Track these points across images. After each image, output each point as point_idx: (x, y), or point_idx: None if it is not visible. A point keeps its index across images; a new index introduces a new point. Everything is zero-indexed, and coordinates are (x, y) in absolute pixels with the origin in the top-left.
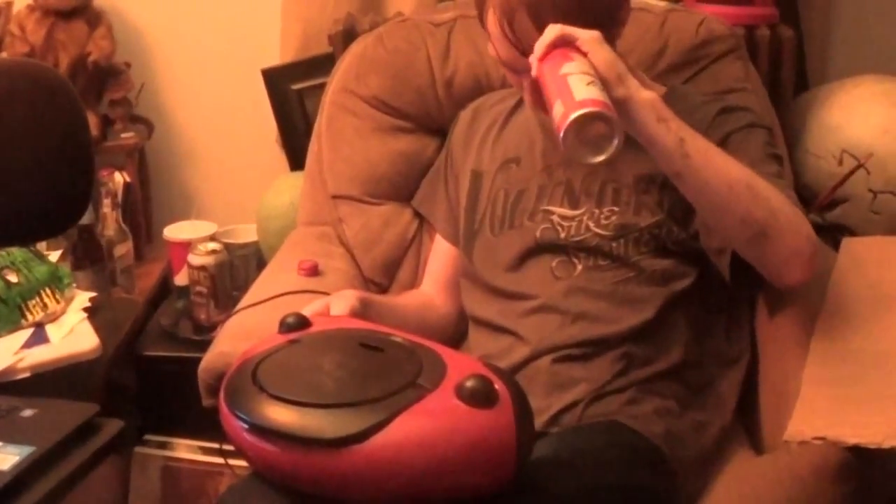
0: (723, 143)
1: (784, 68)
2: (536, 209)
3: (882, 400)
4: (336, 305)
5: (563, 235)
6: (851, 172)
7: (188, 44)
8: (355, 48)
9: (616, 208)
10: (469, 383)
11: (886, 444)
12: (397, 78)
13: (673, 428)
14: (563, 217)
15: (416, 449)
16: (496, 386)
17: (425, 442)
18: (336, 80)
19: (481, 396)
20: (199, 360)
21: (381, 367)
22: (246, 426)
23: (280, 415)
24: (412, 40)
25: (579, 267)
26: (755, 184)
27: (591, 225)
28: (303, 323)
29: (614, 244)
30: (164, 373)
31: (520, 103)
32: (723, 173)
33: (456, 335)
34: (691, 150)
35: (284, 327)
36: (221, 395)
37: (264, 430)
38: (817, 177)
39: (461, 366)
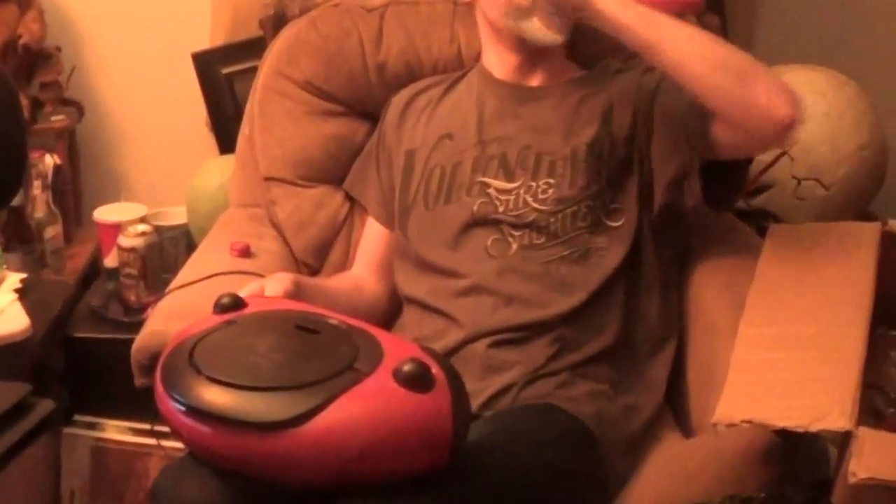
0: (655, 91)
1: None
2: (473, 182)
3: (807, 383)
4: (270, 287)
5: (501, 209)
6: (776, 159)
7: (119, 28)
8: (288, 32)
9: (552, 180)
10: (406, 367)
11: (813, 428)
12: (329, 62)
13: (604, 411)
14: (500, 190)
15: (352, 433)
16: (433, 370)
17: (362, 426)
18: (268, 64)
19: (418, 381)
20: (129, 341)
21: (318, 350)
22: (182, 408)
23: (216, 397)
24: (344, 25)
25: (514, 246)
26: (722, 40)
27: (529, 199)
28: (238, 304)
29: (552, 219)
30: (93, 354)
31: (453, 84)
32: (691, 31)
33: (387, 317)
34: (655, 18)
35: (219, 308)
36: (157, 375)
37: (201, 413)
38: None
39: (398, 350)
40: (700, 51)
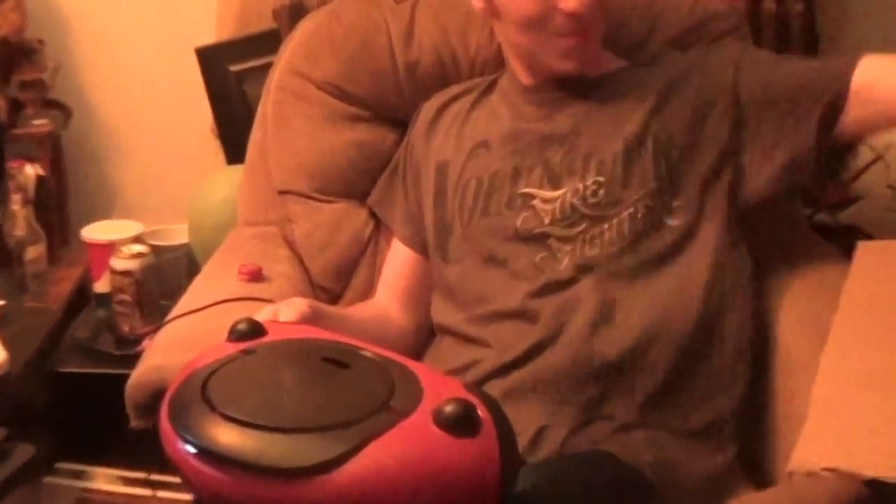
0: (736, 74)
1: (792, 46)
2: (513, 193)
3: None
4: (284, 312)
5: (547, 221)
6: (868, 166)
7: (111, 19)
8: (306, 25)
9: (602, 179)
10: (448, 408)
11: None
12: (354, 60)
13: (665, 459)
14: (545, 200)
15: (387, 482)
16: (478, 411)
17: (398, 474)
18: (284, 61)
19: (462, 423)
20: (121, 377)
21: (348, 386)
22: (194, 450)
23: (234, 438)
24: (371, 18)
25: (564, 261)
26: None
27: (578, 203)
28: (257, 330)
29: (605, 225)
30: (81, 391)
31: (486, 91)
32: None
33: (414, 351)
34: None
35: (235, 335)
36: (164, 413)
37: (215, 456)
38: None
39: (439, 386)
40: None
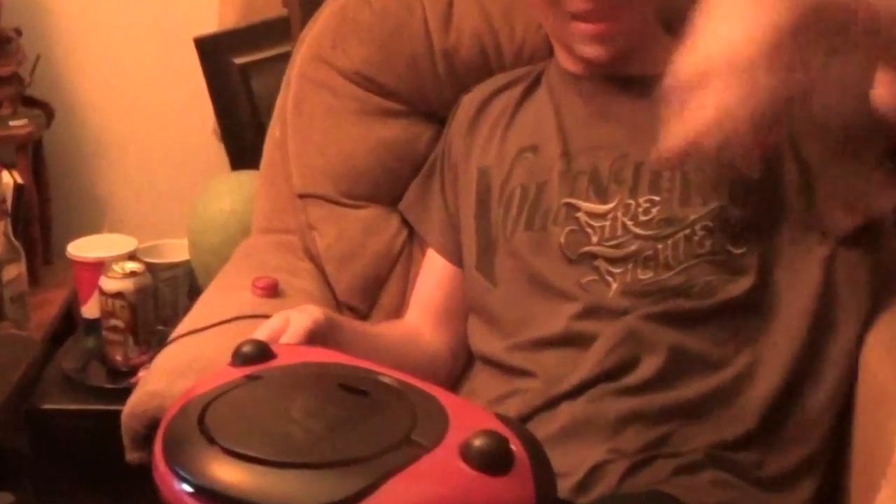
0: None
1: None
2: (558, 205)
3: None
4: (296, 319)
5: (595, 240)
6: None
7: (98, 4)
8: (333, 6)
9: (656, 197)
10: (478, 442)
11: None
12: (385, 47)
13: (729, 502)
14: (592, 215)
15: None
16: (512, 446)
17: None
18: (307, 48)
19: (493, 459)
20: (113, 414)
21: (366, 417)
22: (190, 489)
23: (235, 475)
24: (405, 0)
25: (614, 286)
26: None
27: (629, 223)
28: (264, 354)
29: (660, 246)
30: (67, 431)
31: (532, 86)
32: None
33: (450, 378)
34: None
35: (240, 358)
36: (158, 446)
37: (214, 495)
38: None
39: (467, 417)
40: None
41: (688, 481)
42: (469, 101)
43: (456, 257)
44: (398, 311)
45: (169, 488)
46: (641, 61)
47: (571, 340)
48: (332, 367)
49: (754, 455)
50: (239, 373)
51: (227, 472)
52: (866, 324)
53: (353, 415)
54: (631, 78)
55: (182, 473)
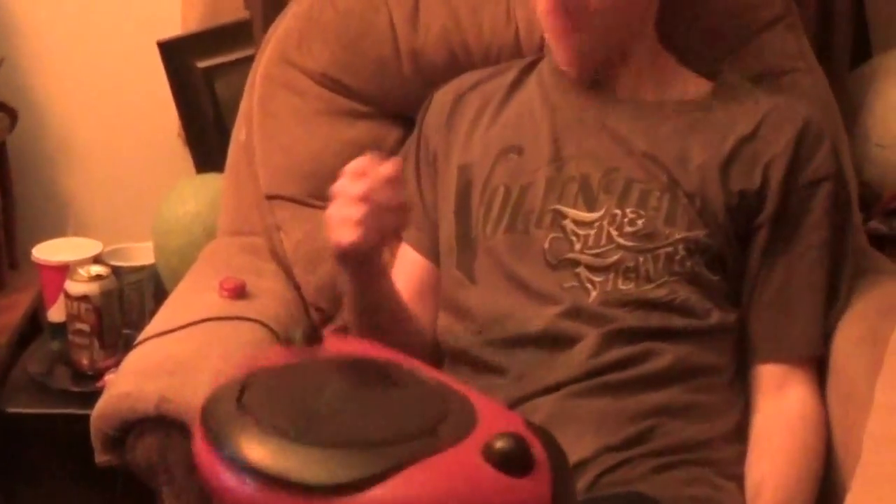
0: (778, 196)
1: (837, 31)
2: (545, 210)
3: None
4: (384, 166)
5: (578, 247)
6: None
7: (62, 7)
8: (297, 7)
9: (642, 212)
10: (500, 443)
11: None
12: (351, 48)
13: (708, 499)
14: (578, 223)
15: None
16: (533, 450)
17: None
18: (271, 49)
19: (513, 460)
20: (79, 417)
21: (395, 407)
22: (221, 456)
23: (256, 448)
24: (371, 1)
25: (593, 293)
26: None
27: (613, 232)
28: (312, 339)
29: (641, 258)
30: (32, 435)
31: (519, 78)
32: None
33: (431, 355)
34: None
35: (295, 340)
36: (198, 416)
37: (236, 464)
38: (882, 172)
39: (496, 420)
40: None
41: (665, 478)
42: (443, 96)
43: (431, 253)
44: None
45: (201, 453)
46: (637, 83)
47: (550, 340)
48: (374, 361)
49: (732, 452)
50: (288, 354)
51: (251, 444)
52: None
53: (382, 403)
54: (628, 99)
55: (213, 441)
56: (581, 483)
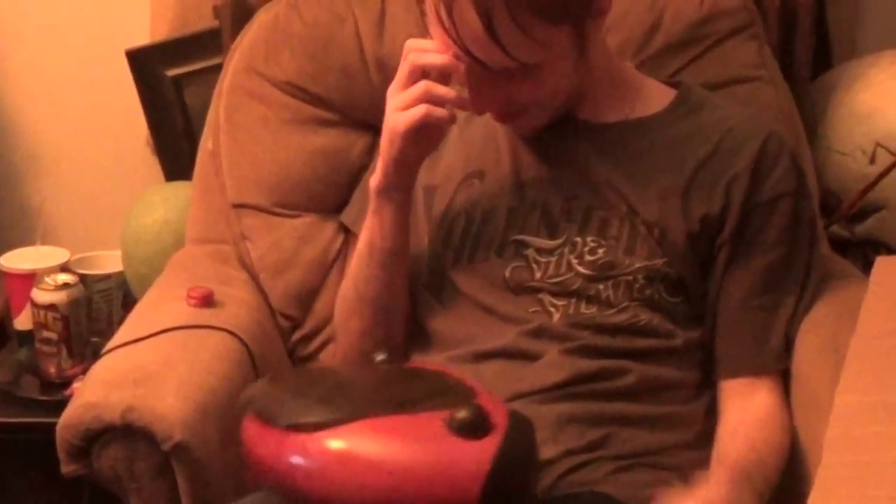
0: (739, 214)
1: (799, 41)
2: (507, 240)
3: None
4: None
5: (538, 275)
6: (887, 171)
7: (28, 14)
8: (263, 18)
9: (603, 241)
10: (461, 413)
11: None
12: (318, 57)
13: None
14: (540, 250)
15: (368, 453)
16: (492, 420)
17: (380, 449)
18: (238, 59)
19: (467, 426)
20: (46, 426)
21: (401, 386)
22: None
23: (261, 394)
24: (336, 10)
25: (556, 315)
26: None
27: (574, 261)
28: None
29: (601, 286)
30: (0, 443)
31: None
32: None
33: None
34: None
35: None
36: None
37: (246, 410)
38: (843, 178)
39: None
40: None
41: (626, 479)
42: None
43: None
44: (331, 318)
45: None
46: (597, 107)
47: (515, 354)
48: (429, 371)
49: (695, 457)
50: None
51: (260, 393)
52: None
53: (394, 383)
54: (589, 122)
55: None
56: (541, 483)
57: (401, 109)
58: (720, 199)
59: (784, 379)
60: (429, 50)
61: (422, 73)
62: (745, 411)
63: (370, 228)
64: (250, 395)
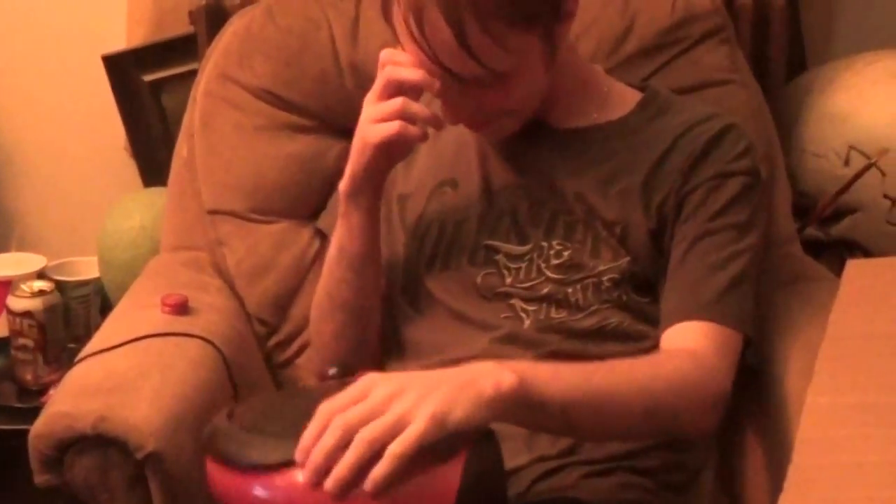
0: (689, 191)
1: (773, 44)
2: (478, 246)
3: (891, 466)
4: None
5: (509, 281)
6: (860, 174)
7: (5, 22)
8: (238, 24)
9: (568, 244)
10: None
11: None
12: (292, 63)
13: (636, 500)
14: (510, 256)
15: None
16: (457, 444)
17: None
18: (213, 65)
19: (431, 449)
20: (23, 433)
21: None
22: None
23: (226, 438)
24: (311, 15)
25: (527, 322)
26: (656, 401)
27: (542, 265)
28: (347, 373)
29: (569, 289)
30: None
31: None
32: (618, 413)
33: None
34: (575, 416)
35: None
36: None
37: (208, 452)
38: (818, 180)
39: None
40: (624, 430)
41: (597, 484)
42: None
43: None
44: (307, 324)
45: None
46: (565, 112)
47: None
48: None
49: (667, 459)
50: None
51: (225, 436)
52: (763, 329)
53: None
54: (556, 127)
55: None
56: (513, 490)
57: (375, 122)
58: (673, 183)
59: (757, 379)
60: (404, 64)
61: (397, 86)
62: (667, 346)
63: (340, 232)
64: (210, 431)
